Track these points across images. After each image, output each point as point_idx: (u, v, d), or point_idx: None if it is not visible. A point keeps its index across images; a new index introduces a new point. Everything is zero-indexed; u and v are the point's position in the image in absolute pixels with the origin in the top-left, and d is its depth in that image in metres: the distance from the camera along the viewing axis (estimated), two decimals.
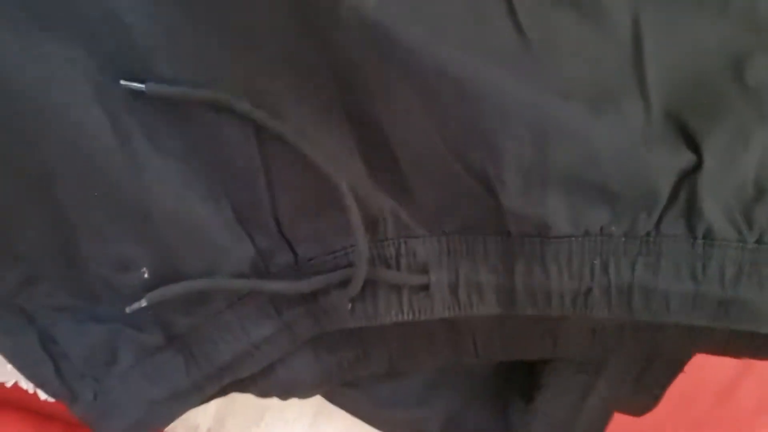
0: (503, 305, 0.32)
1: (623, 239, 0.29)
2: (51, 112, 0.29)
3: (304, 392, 0.37)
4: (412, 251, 0.32)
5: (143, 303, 0.31)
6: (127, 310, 0.32)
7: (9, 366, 0.35)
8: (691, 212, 0.29)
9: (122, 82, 0.29)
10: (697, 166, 0.29)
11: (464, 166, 0.30)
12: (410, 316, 0.32)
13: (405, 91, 0.29)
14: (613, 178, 0.29)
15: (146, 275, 0.32)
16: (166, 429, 0.43)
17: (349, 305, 0.32)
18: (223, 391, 0.36)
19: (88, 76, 0.29)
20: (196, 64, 0.29)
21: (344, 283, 0.32)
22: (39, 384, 0.34)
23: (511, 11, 0.28)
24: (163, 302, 0.32)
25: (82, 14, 0.29)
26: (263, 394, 0.37)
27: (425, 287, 0.32)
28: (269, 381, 0.36)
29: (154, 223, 0.31)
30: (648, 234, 0.29)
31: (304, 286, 0.32)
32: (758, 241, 0.29)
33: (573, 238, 0.30)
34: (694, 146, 0.29)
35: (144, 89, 0.29)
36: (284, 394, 0.37)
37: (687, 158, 0.29)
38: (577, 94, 0.29)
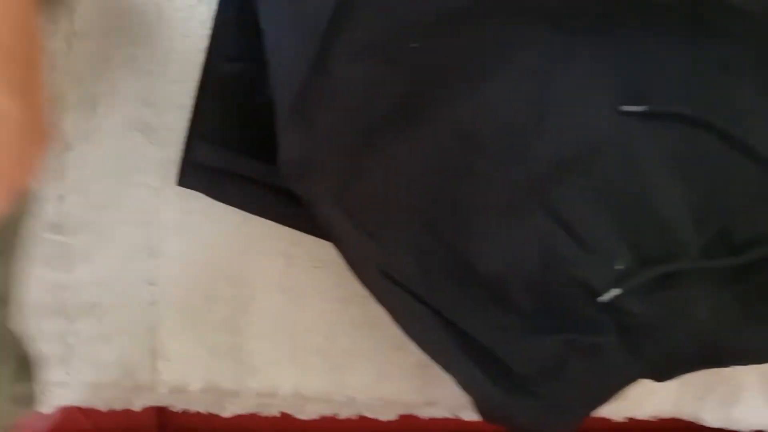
0: None
1: None
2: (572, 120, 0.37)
3: None
4: None
5: (616, 292, 0.36)
6: (599, 299, 0.36)
7: None
8: None
9: (624, 107, 0.37)
10: None
11: None
12: None
13: None
14: None
15: (619, 267, 0.37)
16: None
17: None
18: None
19: (608, 96, 0.37)
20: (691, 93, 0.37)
21: None
22: (483, 400, 0.39)
23: None
24: (627, 293, 0.37)
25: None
26: None
27: None
28: None
29: (640, 218, 0.37)
30: None
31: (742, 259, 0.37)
32: None
33: None
34: None
35: (645, 110, 0.37)
36: None
37: None
38: None
